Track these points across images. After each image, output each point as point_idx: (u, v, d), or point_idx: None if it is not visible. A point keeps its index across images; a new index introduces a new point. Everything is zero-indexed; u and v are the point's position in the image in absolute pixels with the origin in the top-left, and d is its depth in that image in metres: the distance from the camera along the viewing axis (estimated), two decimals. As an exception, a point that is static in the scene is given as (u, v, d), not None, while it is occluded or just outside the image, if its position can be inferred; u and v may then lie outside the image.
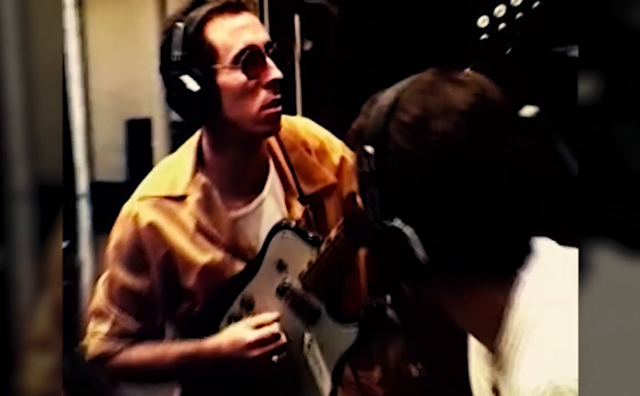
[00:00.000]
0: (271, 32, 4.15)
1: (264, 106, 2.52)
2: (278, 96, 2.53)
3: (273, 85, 2.52)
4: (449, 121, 1.59)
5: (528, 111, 1.77)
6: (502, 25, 2.20)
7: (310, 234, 2.64)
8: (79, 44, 4.68)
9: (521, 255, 1.68)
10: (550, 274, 1.68)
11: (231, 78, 2.52)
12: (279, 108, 2.55)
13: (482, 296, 1.70)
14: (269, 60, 2.53)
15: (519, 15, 2.20)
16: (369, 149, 1.64)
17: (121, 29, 6.77)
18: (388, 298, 2.62)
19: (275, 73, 2.52)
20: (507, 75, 1.80)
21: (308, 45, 4.32)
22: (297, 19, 4.25)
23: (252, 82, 2.51)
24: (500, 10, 2.21)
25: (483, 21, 2.22)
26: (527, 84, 1.81)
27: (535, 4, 2.20)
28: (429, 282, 1.70)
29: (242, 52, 2.50)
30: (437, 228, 1.62)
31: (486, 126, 1.62)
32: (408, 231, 1.61)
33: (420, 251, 1.61)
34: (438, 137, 1.59)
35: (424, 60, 1.81)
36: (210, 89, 2.52)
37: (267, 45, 2.54)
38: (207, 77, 2.52)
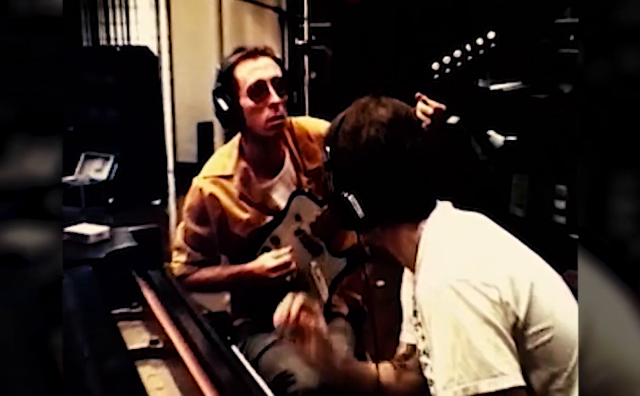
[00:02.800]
0: (289, 66, 4.12)
1: (268, 120, 2.55)
2: (279, 113, 2.56)
3: (274, 106, 2.55)
4: (374, 129, 1.72)
5: (453, 119, 1.81)
6: (447, 70, 2.22)
7: (318, 197, 2.64)
8: (169, 75, 4.69)
9: (426, 210, 1.76)
10: (442, 222, 1.75)
11: (246, 102, 2.56)
12: (279, 121, 2.57)
13: (403, 237, 1.77)
14: (271, 90, 2.55)
15: (459, 64, 2.21)
16: (327, 148, 1.78)
17: (195, 65, 6.81)
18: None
19: (274, 99, 2.55)
20: (446, 99, 1.83)
21: (313, 75, 4.33)
22: (306, 58, 4.25)
23: (259, 105, 2.55)
24: (447, 59, 2.22)
25: (435, 66, 2.23)
26: (456, 104, 1.84)
27: (469, 58, 2.22)
28: (368, 229, 1.80)
29: (252, 85, 2.55)
30: (368, 195, 1.73)
31: (398, 132, 1.73)
32: (350, 197, 1.73)
33: (358, 210, 1.73)
34: (365, 140, 1.72)
35: (390, 87, 1.86)
36: (235, 108, 2.57)
37: (273, 79, 2.56)
38: (233, 100, 2.57)
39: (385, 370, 2.02)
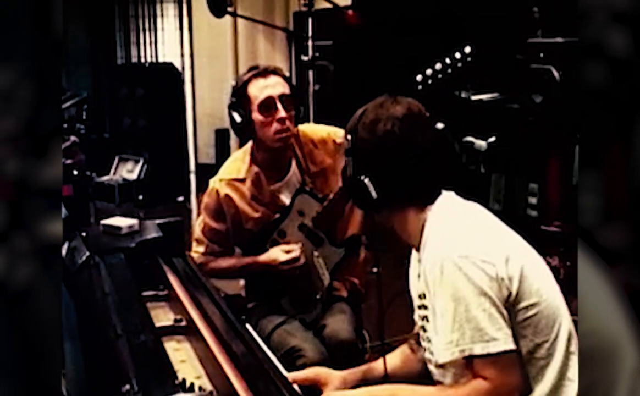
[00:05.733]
0: (296, 80, 4.09)
1: (276, 132, 2.52)
2: (285, 126, 2.52)
3: (281, 120, 2.51)
4: (389, 123, 1.71)
5: (439, 125, 1.80)
6: (429, 81, 2.21)
7: (319, 195, 2.62)
8: (191, 88, 4.68)
9: (432, 196, 1.76)
10: (445, 207, 1.75)
11: (257, 116, 2.53)
12: (286, 134, 2.54)
13: (410, 218, 1.76)
14: (279, 106, 2.51)
15: (439, 76, 2.20)
16: (348, 137, 1.76)
17: (214, 79, 6.80)
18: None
19: (281, 114, 2.51)
20: (430, 106, 1.83)
21: (317, 87, 4.30)
22: (310, 72, 4.24)
23: (268, 119, 2.52)
24: (429, 71, 2.21)
25: (419, 77, 2.22)
26: (439, 112, 1.84)
27: (449, 71, 2.21)
28: (380, 210, 1.78)
29: (262, 101, 2.51)
30: (382, 179, 1.72)
31: (411, 126, 1.72)
32: (366, 180, 1.72)
33: (373, 192, 1.71)
34: (382, 131, 1.71)
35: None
36: (247, 121, 2.54)
37: (281, 96, 2.53)
38: (246, 114, 2.54)
39: (403, 352, 1.98)
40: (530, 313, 1.63)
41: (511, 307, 1.61)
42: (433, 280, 1.64)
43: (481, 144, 3.47)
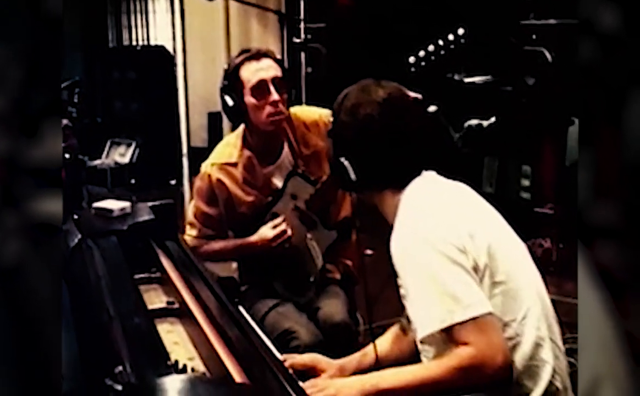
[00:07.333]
0: (288, 63, 4.07)
1: (269, 116, 2.51)
2: (278, 109, 2.51)
3: (274, 103, 2.50)
4: (370, 107, 1.74)
5: (432, 108, 1.82)
6: (422, 63, 2.21)
7: (312, 178, 2.62)
8: (183, 71, 4.65)
9: (409, 179, 1.78)
10: (418, 187, 1.77)
11: (250, 99, 2.51)
12: (279, 117, 2.53)
13: (388, 200, 1.79)
14: (272, 89, 2.50)
15: (432, 58, 2.21)
16: (331, 119, 1.82)
17: (206, 62, 6.77)
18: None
19: (274, 97, 2.50)
20: (423, 89, 1.84)
21: (309, 70, 4.30)
22: (303, 55, 4.22)
23: (261, 102, 2.50)
24: (422, 54, 2.21)
25: (412, 59, 2.22)
26: (432, 93, 1.85)
27: (442, 52, 2.21)
28: (362, 191, 1.83)
29: (255, 84, 2.50)
30: (362, 161, 1.76)
31: (391, 111, 1.75)
32: (345, 162, 1.76)
33: (352, 174, 1.76)
34: (362, 115, 1.75)
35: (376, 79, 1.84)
36: (240, 105, 2.53)
37: (273, 79, 2.51)
38: (238, 97, 2.52)
39: (395, 333, 1.99)
40: (497, 291, 1.64)
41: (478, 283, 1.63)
42: (402, 259, 1.67)
43: (481, 123, 3.48)
